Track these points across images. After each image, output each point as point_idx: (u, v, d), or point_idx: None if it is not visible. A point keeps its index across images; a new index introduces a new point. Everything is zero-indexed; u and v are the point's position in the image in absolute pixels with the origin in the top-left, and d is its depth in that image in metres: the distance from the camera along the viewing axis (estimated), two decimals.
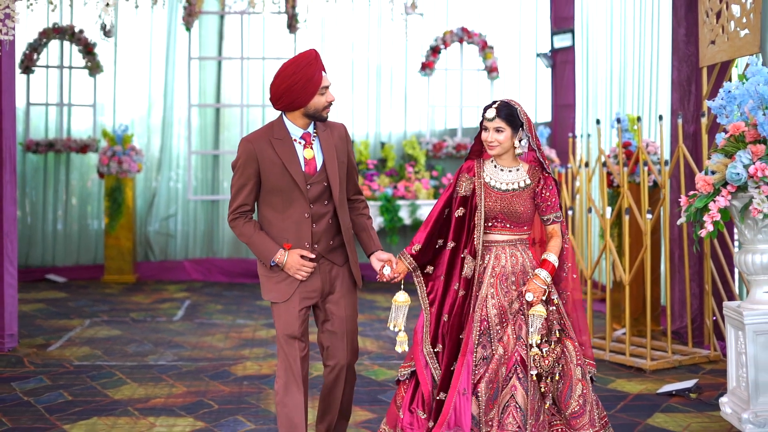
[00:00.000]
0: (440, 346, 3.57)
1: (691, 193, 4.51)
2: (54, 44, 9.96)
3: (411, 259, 3.61)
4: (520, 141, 3.54)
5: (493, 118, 3.50)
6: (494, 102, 3.55)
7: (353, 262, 3.58)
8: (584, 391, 3.47)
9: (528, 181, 3.58)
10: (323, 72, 3.43)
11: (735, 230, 4.92)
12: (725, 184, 4.30)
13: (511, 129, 3.51)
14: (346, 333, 3.57)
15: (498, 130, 3.51)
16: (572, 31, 9.68)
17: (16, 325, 6.18)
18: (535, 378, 3.41)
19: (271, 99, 3.46)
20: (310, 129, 3.51)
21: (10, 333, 6.08)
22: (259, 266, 3.57)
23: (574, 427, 3.46)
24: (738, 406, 4.44)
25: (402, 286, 3.64)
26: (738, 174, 4.19)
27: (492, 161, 3.63)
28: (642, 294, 6.29)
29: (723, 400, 4.61)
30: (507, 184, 3.58)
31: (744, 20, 5.32)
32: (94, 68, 9.92)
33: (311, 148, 3.49)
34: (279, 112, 3.53)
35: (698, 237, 4.38)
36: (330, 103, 3.46)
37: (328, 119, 3.54)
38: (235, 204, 3.48)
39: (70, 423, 4.52)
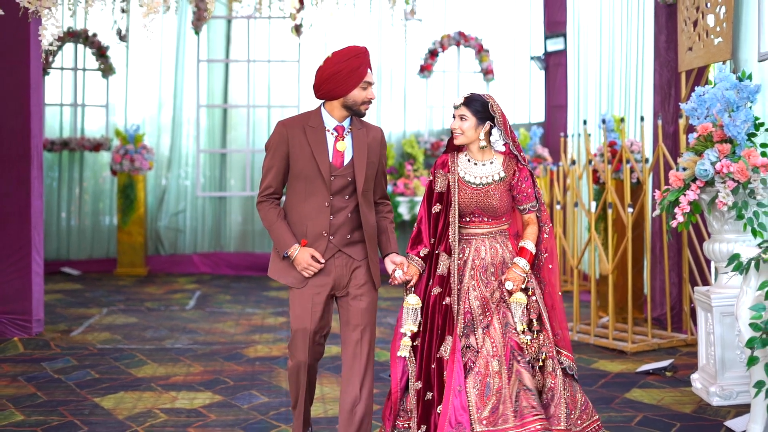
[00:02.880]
0: (418, 340, 3.58)
1: (665, 187, 4.95)
2: (68, 47, 10.34)
3: (419, 260, 3.60)
4: (489, 135, 3.56)
5: (459, 106, 3.56)
6: (468, 93, 3.61)
7: (371, 262, 3.56)
8: (552, 385, 3.48)
9: (502, 174, 3.59)
10: (369, 69, 3.47)
11: None
12: (695, 179, 4.74)
13: (476, 119, 3.53)
14: (363, 326, 3.54)
15: (462, 117, 3.55)
16: (564, 36, 9.99)
17: (42, 311, 6.59)
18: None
19: (314, 86, 3.48)
20: (346, 123, 3.52)
21: (37, 318, 6.49)
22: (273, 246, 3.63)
23: None
24: (707, 381, 4.87)
25: (413, 289, 3.62)
26: (706, 170, 4.62)
27: (466, 155, 3.64)
28: (626, 284, 6.71)
29: (694, 376, 5.04)
30: (481, 178, 3.59)
31: (718, 29, 5.73)
32: (106, 70, 10.31)
33: (343, 141, 3.50)
34: (319, 103, 3.55)
35: (671, 227, 4.83)
36: (369, 101, 3.49)
37: (366, 120, 3.59)
38: (263, 185, 3.52)
39: (99, 396, 4.96)
